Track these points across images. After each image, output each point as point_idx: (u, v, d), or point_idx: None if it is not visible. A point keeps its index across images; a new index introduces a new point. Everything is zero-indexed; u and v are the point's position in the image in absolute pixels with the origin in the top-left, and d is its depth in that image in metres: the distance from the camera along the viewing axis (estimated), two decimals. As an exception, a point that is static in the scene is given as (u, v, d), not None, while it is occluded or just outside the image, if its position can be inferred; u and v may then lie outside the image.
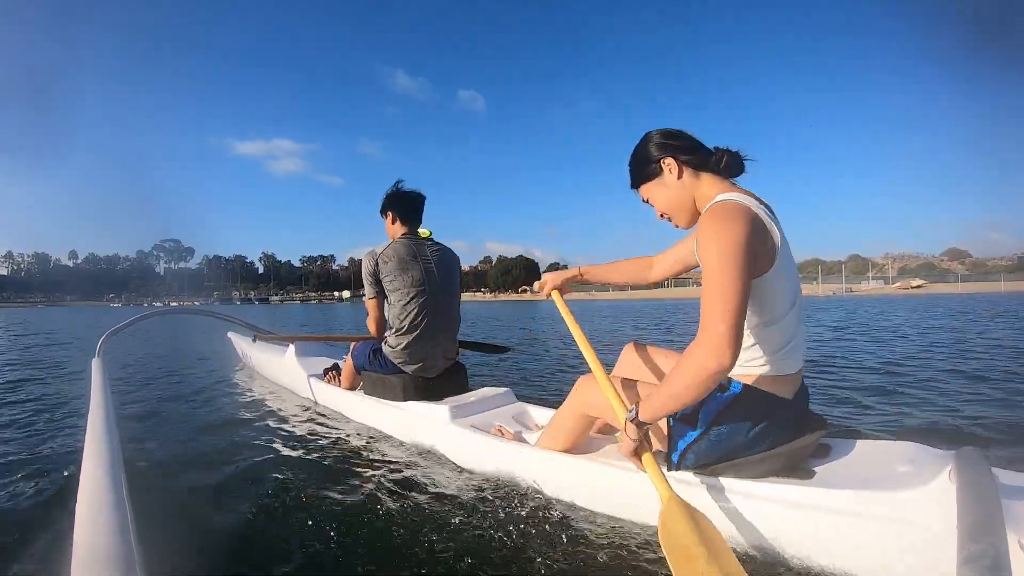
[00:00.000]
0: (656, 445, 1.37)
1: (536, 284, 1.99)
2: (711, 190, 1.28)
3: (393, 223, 2.45)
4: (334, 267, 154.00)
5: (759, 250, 1.14)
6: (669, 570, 0.96)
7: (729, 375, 1.27)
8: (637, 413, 1.23)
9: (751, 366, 1.25)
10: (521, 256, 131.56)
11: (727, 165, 1.30)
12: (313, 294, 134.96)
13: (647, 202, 1.42)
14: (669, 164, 1.32)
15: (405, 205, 2.43)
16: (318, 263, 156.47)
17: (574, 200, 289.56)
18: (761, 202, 1.24)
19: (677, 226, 1.39)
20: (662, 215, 1.40)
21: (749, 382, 1.25)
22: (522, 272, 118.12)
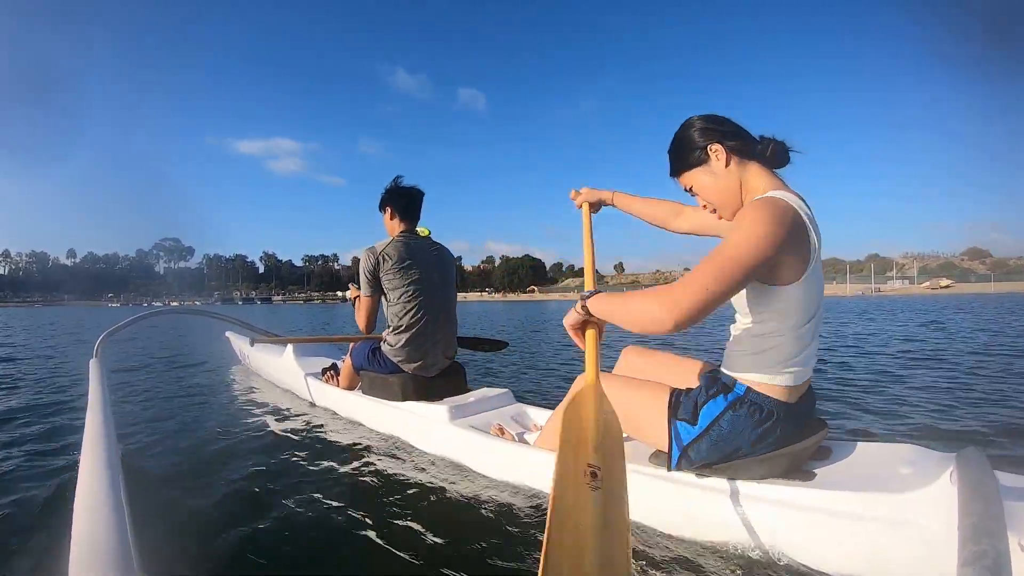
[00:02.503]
0: (657, 445, 1.38)
1: (572, 192, 1.93)
2: (759, 181, 1.25)
3: (392, 219, 2.47)
4: (336, 267, 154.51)
5: (792, 257, 1.13)
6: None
7: (734, 376, 1.28)
8: (591, 296, 1.27)
9: (759, 370, 1.24)
10: (527, 256, 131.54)
11: (773, 154, 1.26)
12: (316, 294, 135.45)
13: (689, 191, 1.36)
14: (716, 150, 1.27)
15: (405, 200, 2.45)
16: (319, 263, 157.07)
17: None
18: (806, 205, 1.22)
19: (721, 217, 1.34)
20: (705, 205, 1.35)
21: (754, 386, 1.25)
22: (528, 272, 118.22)
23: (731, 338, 1.34)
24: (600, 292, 1.27)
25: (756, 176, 1.26)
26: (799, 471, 1.30)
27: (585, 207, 1.88)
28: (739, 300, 1.25)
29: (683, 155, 1.32)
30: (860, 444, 1.44)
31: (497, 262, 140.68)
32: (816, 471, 1.30)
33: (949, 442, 2.27)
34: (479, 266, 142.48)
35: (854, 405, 2.99)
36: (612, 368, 1.75)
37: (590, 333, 1.28)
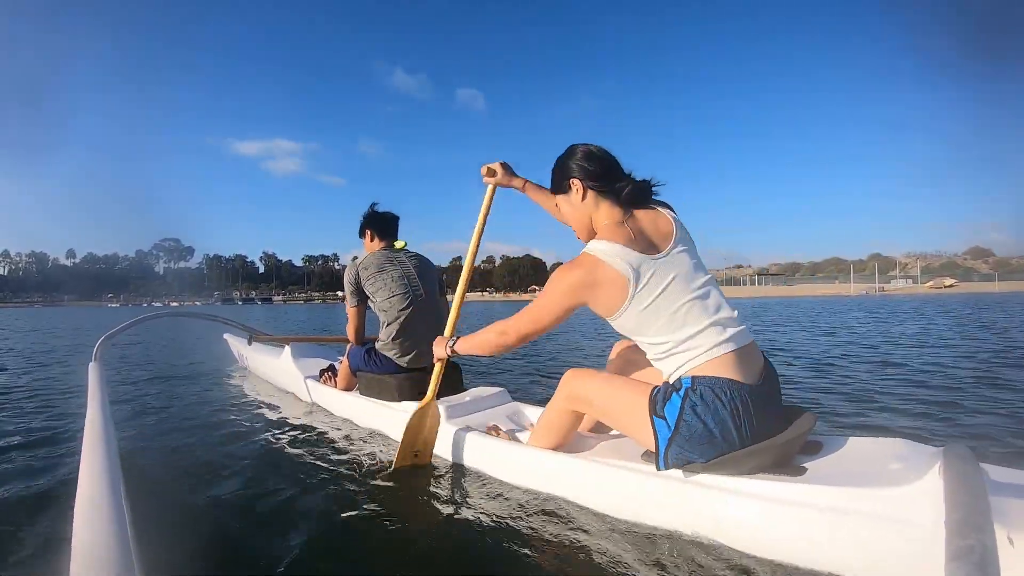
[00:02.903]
0: (646, 444, 1.41)
1: (484, 167, 2.02)
2: (604, 218, 1.47)
3: (372, 240, 2.66)
4: (337, 266, 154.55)
5: (603, 297, 1.36)
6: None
7: (678, 375, 1.36)
8: (456, 342, 1.83)
9: (688, 363, 1.34)
10: (528, 255, 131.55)
11: (629, 195, 1.45)
12: (316, 294, 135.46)
13: (559, 215, 1.65)
14: (576, 185, 1.49)
15: (382, 225, 2.66)
16: (320, 262, 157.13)
17: None
18: (642, 236, 1.39)
19: (578, 238, 1.57)
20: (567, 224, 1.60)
21: (695, 372, 1.33)
22: (529, 271, 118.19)
23: (648, 356, 1.46)
24: (459, 337, 1.84)
25: (604, 214, 1.48)
26: (789, 466, 1.32)
27: (491, 187, 2.01)
28: (623, 331, 1.46)
29: (554, 180, 1.58)
30: (850, 438, 1.46)
31: (498, 262, 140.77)
32: (806, 465, 1.32)
33: (937, 436, 2.29)
34: (480, 266, 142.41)
35: (849, 399, 3.00)
36: (605, 359, 1.86)
37: (438, 364, 1.98)
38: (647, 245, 1.38)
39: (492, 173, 2.00)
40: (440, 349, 1.89)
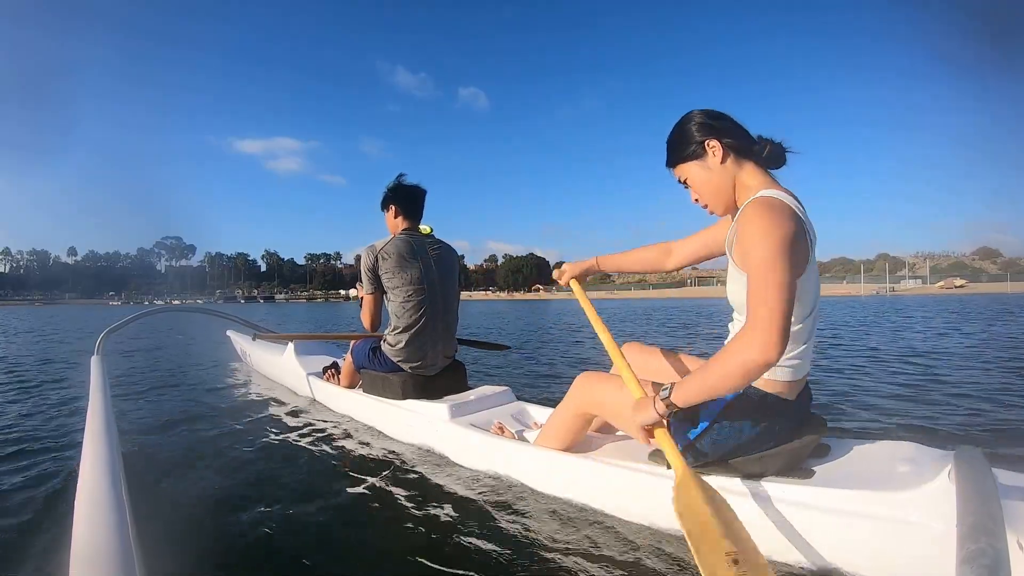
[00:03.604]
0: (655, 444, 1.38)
1: (555, 273, 1.98)
2: (752, 180, 1.28)
3: (396, 217, 2.47)
4: (339, 265, 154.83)
5: (800, 253, 1.14)
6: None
7: None
8: (671, 393, 1.22)
9: (771, 371, 1.24)
10: (531, 254, 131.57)
11: (770, 155, 1.29)
12: (319, 292, 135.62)
13: (683, 183, 1.38)
14: (714, 147, 1.29)
15: (407, 199, 2.47)
16: (322, 261, 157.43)
17: (576, 199, 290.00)
18: (798, 202, 1.24)
19: (711, 212, 1.38)
20: (696, 200, 1.38)
21: (753, 383, 1.25)
22: (533, 271, 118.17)
23: (730, 336, 1.35)
24: (672, 384, 1.24)
25: (750, 175, 1.28)
26: (798, 469, 1.31)
27: (574, 283, 1.91)
28: (738, 299, 1.26)
29: (680, 147, 1.34)
30: (859, 442, 1.45)
31: (500, 261, 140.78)
32: (815, 469, 1.31)
33: (947, 440, 2.28)
34: (482, 265, 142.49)
35: (855, 402, 2.99)
36: (610, 366, 1.76)
37: (660, 430, 1.27)
38: None
39: (561, 275, 1.94)
40: (648, 412, 1.27)
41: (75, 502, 0.85)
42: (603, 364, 1.47)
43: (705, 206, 1.37)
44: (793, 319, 1.16)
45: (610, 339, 1.58)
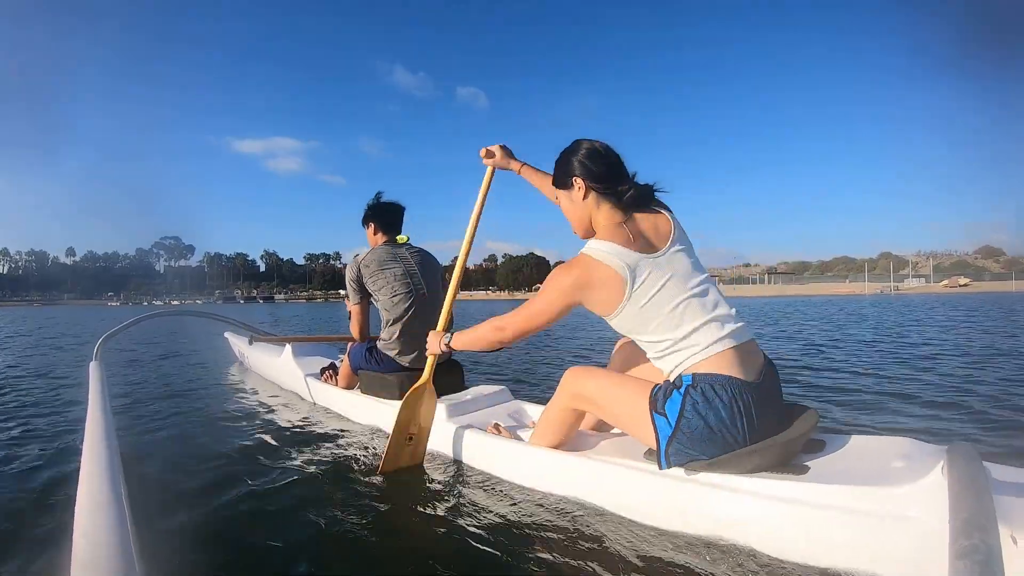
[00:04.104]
0: (648, 443, 1.42)
1: (482, 150, 2.08)
2: (604, 219, 1.49)
3: (375, 233, 2.64)
4: (339, 265, 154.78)
5: (600, 297, 1.39)
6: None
7: (677, 372, 1.37)
8: (452, 339, 1.82)
9: (687, 360, 1.35)
10: (531, 254, 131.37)
11: (630, 199, 1.47)
12: (319, 292, 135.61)
13: (556, 201, 1.64)
14: (579, 184, 1.50)
15: (386, 216, 2.64)
16: (321, 261, 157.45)
17: None
18: (643, 237, 1.42)
19: (575, 233, 1.61)
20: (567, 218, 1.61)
21: (694, 370, 1.34)
22: (533, 271, 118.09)
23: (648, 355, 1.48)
24: (454, 333, 1.83)
25: (604, 215, 1.50)
26: (791, 465, 1.32)
27: (490, 168, 2.06)
28: (621, 331, 1.49)
29: (556, 174, 1.59)
30: (853, 437, 1.47)
31: (500, 260, 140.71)
32: (808, 464, 1.32)
33: (940, 434, 2.30)
34: (482, 264, 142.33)
35: (851, 397, 3.00)
36: (607, 357, 1.88)
37: (431, 356, 1.97)
38: (645, 245, 1.41)
39: (491, 155, 2.05)
40: (434, 344, 1.89)
41: (75, 504, 0.86)
42: (595, 360, 1.48)
43: (573, 227, 1.61)
44: (661, 322, 1.38)
45: (472, 230, 2.06)
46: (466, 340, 1.76)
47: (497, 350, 1.68)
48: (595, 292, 1.39)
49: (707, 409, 1.29)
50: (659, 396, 1.38)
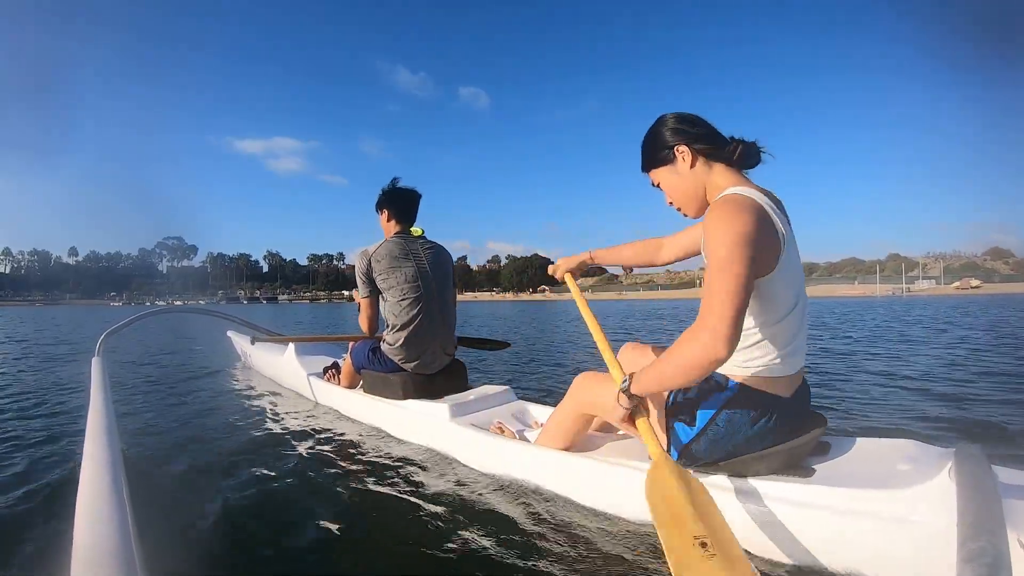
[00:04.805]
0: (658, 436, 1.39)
1: (549, 268, 2.04)
2: (723, 181, 1.30)
3: (388, 220, 2.55)
4: (342, 266, 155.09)
5: (764, 248, 1.15)
6: (666, 566, 0.98)
7: (726, 374, 1.30)
8: (630, 384, 1.31)
9: (748, 366, 1.27)
10: (535, 255, 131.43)
11: (741, 156, 1.31)
12: (322, 293, 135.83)
13: (657, 186, 1.43)
14: (683, 152, 1.32)
15: (401, 203, 2.54)
16: (324, 262, 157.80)
17: (576, 199, 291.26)
18: (772, 198, 1.25)
19: (686, 215, 1.41)
20: (671, 203, 1.41)
21: (745, 381, 1.28)
22: (537, 272, 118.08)
23: None
24: (632, 375, 1.32)
25: (720, 177, 1.31)
26: (798, 467, 1.32)
27: (568, 277, 1.97)
28: (766, 297, 1.26)
29: (651, 153, 1.39)
30: (859, 440, 1.46)
31: (503, 261, 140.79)
32: (815, 467, 1.32)
33: (948, 437, 2.29)
34: (485, 266, 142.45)
35: (855, 400, 2.99)
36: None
37: (640, 419, 1.34)
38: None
39: (556, 269, 2.01)
40: (623, 402, 1.35)
41: (76, 502, 0.86)
42: (604, 364, 1.48)
43: (679, 209, 1.40)
44: (768, 318, 1.22)
45: (600, 332, 1.62)
46: (658, 377, 1.24)
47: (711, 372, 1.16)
48: (764, 236, 1.15)
49: (743, 422, 1.26)
50: (681, 400, 1.33)
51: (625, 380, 1.33)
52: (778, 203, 1.26)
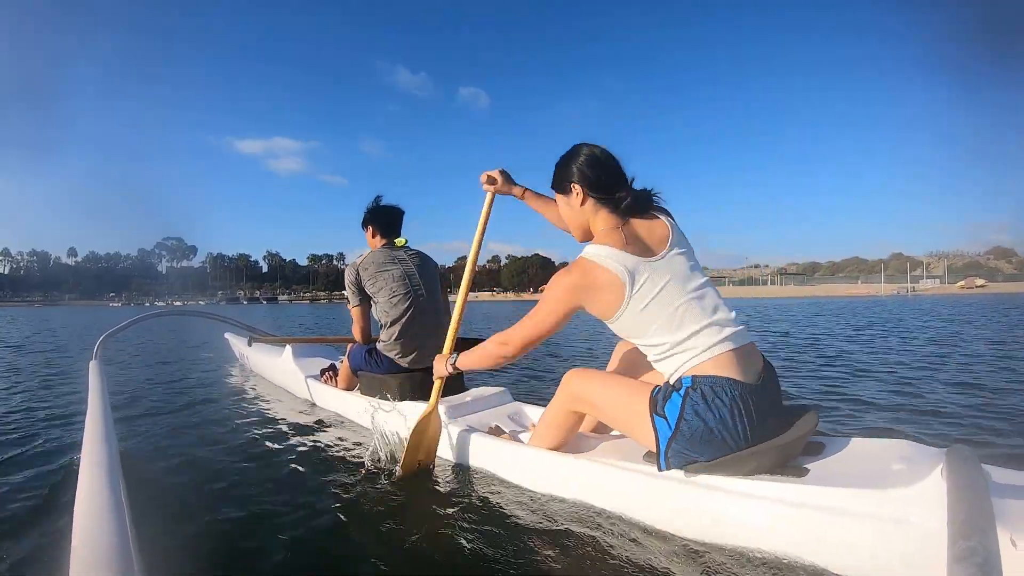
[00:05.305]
0: (647, 445, 1.43)
1: (483, 175, 2.07)
2: (601, 225, 1.51)
3: (373, 236, 2.68)
4: (342, 266, 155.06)
5: (596, 301, 1.42)
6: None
7: (678, 375, 1.38)
8: (456, 360, 1.84)
9: (687, 363, 1.37)
10: (536, 255, 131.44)
11: (626, 207, 1.49)
12: (322, 293, 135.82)
13: (560, 225, 1.69)
14: (577, 191, 1.53)
15: (384, 219, 2.67)
16: (324, 262, 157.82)
17: None
18: (637, 246, 1.42)
19: (574, 237, 1.63)
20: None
21: (692, 372, 1.35)
22: (538, 272, 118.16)
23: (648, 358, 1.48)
24: (458, 354, 1.85)
25: (602, 221, 1.52)
26: (791, 467, 1.33)
27: (490, 194, 2.06)
28: (621, 334, 1.51)
29: (556, 179, 1.61)
30: (852, 439, 1.47)
31: (504, 261, 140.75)
32: (808, 467, 1.33)
33: (940, 437, 2.29)
34: (486, 265, 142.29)
35: (854, 401, 2.99)
36: (607, 359, 1.89)
37: (437, 381, 1.98)
38: (643, 249, 1.43)
39: (492, 181, 2.04)
40: (440, 367, 1.91)
41: (75, 503, 0.86)
42: (594, 362, 1.49)
43: (572, 232, 1.63)
44: (661, 324, 1.39)
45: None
46: (472, 359, 1.76)
47: (503, 366, 1.64)
48: (595, 295, 1.41)
49: (707, 411, 1.30)
50: (659, 398, 1.39)
51: (454, 355, 1.86)
52: (644, 246, 1.43)
